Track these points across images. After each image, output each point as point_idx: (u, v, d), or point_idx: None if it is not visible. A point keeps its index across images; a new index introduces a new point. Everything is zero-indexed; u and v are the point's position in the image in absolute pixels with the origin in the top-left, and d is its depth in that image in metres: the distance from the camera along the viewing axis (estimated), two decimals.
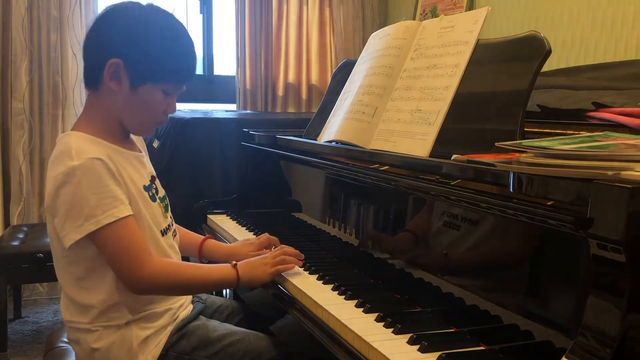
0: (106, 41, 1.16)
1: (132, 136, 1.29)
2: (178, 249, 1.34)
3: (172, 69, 1.19)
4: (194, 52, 1.23)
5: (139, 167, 1.24)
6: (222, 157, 2.26)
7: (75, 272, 1.17)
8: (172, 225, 1.33)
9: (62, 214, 1.11)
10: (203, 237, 1.49)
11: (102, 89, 1.17)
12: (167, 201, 1.31)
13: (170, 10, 1.21)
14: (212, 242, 1.47)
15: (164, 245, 1.25)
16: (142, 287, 1.15)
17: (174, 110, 1.24)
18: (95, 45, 1.18)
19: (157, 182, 1.30)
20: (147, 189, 1.23)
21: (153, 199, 1.24)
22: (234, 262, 1.27)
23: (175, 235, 1.33)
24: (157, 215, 1.24)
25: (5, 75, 2.92)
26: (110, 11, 1.18)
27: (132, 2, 1.19)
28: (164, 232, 1.26)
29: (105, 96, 1.18)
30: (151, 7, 1.20)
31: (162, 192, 1.30)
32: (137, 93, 1.16)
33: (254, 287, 1.30)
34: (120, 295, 1.16)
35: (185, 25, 1.22)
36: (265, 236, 1.47)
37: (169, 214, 1.32)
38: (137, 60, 1.14)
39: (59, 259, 1.19)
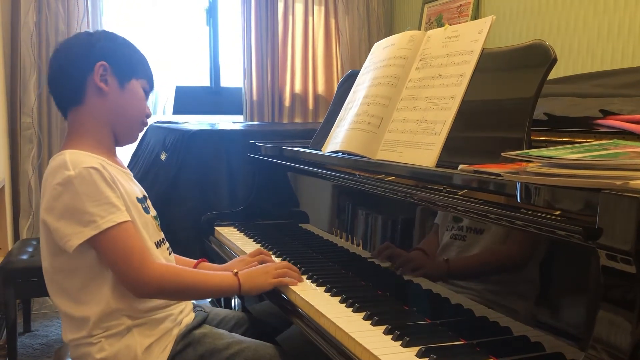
0: (86, 54, 1.24)
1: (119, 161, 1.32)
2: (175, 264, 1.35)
3: (145, 67, 1.32)
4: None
5: (130, 181, 1.27)
6: (230, 168, 2.26)
7: (71, 287, 1.18)
8: (166, 242, 1.35)
9: (62, 222, 1.12)
10: (196, 260, 1.49)
11: (87, 101, 1.23)
12: (159, 221, 1.34)
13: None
14: (206, 264, 1.49)
15: (159, 256, 1.27)
16: (145, 290, 1.17)
17: (150, 113, 1.34)
18: (73, 67, 1.24)
19: (149, 202, 1.33)
20: (140, 201, 1.26)
21: (146, 211, 1.27)
22: (236, 270, 1.29)
23: (170, 253, 1.35)
24: (149, 227, 1.26)
25: (14, 90, 2.95)
26: (74, 39, 1.29)
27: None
28: (157, 245, 1.28)
29: (91, 106, 1.23)
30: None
31: (153, 212, 1.33)
32: (125, 90, 1.26)
33: (256, 294, 1.31)
34: (117, 304, 1.17)
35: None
36: (257, 251, 1.49)
37: (162, 233, 1.34)
38: (120, 60, 1.26)
39: (53, 275, 1.20)
